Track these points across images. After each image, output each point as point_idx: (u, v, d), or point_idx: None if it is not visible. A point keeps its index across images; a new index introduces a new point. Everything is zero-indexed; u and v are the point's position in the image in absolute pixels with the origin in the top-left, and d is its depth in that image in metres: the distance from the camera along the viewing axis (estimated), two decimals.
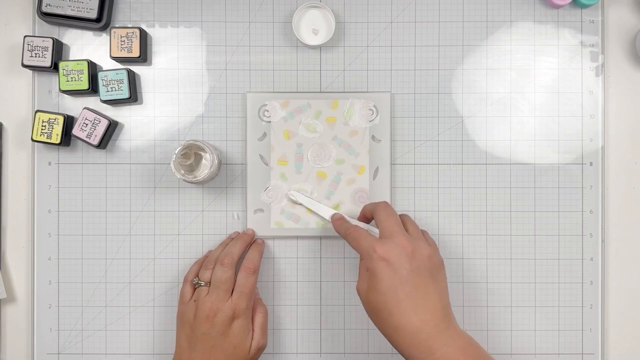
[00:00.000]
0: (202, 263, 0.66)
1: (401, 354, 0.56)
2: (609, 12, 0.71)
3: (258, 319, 0.65)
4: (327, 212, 0.67)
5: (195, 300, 0.62)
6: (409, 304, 0.55)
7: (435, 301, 0.56)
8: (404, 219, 0.62)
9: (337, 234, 0.67)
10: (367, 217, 0.65)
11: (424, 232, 0.64)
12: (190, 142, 0.64)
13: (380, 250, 0.56)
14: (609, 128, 0.70)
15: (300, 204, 0.68)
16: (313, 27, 0.69)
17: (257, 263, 0.65)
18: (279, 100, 0.69)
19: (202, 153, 0.66)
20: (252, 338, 0.63)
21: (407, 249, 0.56)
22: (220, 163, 0.68)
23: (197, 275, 0.65)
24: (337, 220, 0.65)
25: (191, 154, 0.65)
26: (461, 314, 0.70)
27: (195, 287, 0.64)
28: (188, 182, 0.64)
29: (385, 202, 0.62)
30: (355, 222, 0.65)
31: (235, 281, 0.63)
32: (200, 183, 0.68)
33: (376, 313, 0.56)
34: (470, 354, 0.54)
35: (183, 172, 0.64)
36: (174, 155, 0.63)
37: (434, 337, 0.54)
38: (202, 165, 0.66)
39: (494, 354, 0.69)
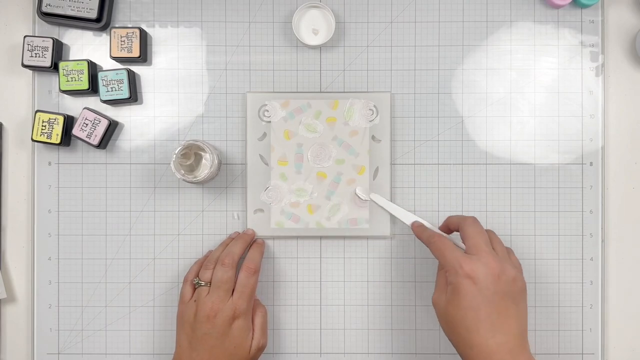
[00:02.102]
0: (202, 263, 0.66)
1: None
2: (609, 12, 0.71)
3: (258, 319, 0.65)
4: (408, 218, 0.67)
5: (195, 300, 0.62)
6: (488, 325, 0.54)
7: (514, 326, 0.55)
8: (491, 237, 0.61)
9: (337, 234, 0.67)
10: (450, 228, 0.63)
11: (509, 251, 0.62)
12: (190, 142, 0.64)
13: (467, 267, 0.55)
14: (609, 128, 0.70)
15: (380, 207, 0.68)
16: (313, 27, 0.69)
17: (258, 263, 0.65)
18: (279, 100, 0.69)
19: (202, 153, 0.66)
20: (253, 338, 0.63)
21: (495, 269, 0.55)
22: (220, 163, 0.68)
23: (197, 275, 0.64)
24: (418, 227, 0.64)
25: (191, 154, 0.65)
26: None
27: (195, 287, 0.64)
28: (188, 182, 0.64)
29: (473, 218, 0.61)
30: (436, 230, 0.64)
31: (235, 281, 0.63)
32: (200, 183, 0.68)
33: (452, 327, 0.56)
34: None
35: (183, 172, 0.64)
36: (174, 155, 0.63)
37: None
38: (202, 165, 0.66)
39: None
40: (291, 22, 0.69)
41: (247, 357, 0.62)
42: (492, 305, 0.55)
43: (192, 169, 0.65)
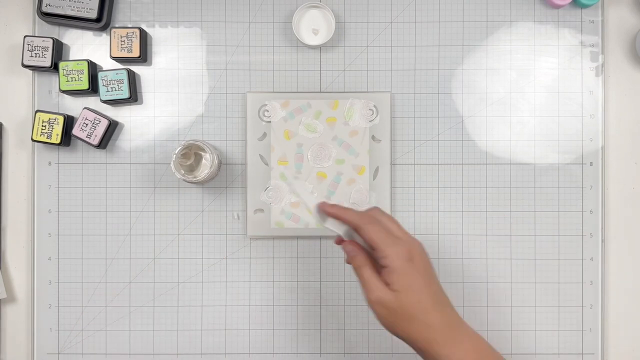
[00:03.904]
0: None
1: (426, 354, 0.55)
2: (609, 12, 0.71)
3: None
4: (342, 230, 0.59)
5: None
6: (437, 299, 0.55)
7: (445, 294, 0.56)
8: (380, 219, 0.57)
9: (336, 235, 0.67)
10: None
11: (390, 219, 0.58)
12: (190, 142, 0.64)
13: (405, 250, 0.54)
14: (609, 128, 0.70)
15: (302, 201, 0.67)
16: (313, 27, 0.69)
17: None
18: (279, 100, 0.69)
19: (202, 153, 0.66)
20: None
21: (421, 249, 0.56)
22: (220, 163, 0.68)
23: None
24: (347, 246, 0.58)
25: (191, 154, 0.65)
26: (461, 314, 0.70)
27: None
28: (188, 182, 0.64)
29: (369, 217, 0.57)
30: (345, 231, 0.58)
31: None
32: (200, 183, 0.68)
33: (408, 315, 0.55)
34: (488, 354, 0.55)
35: (183, 172, 0.64)
36: (174, 155, 0.63)
37: (460, 331, 0.55)
38: (202, 165, 0.66)
39: None
40: (291, 22, 0.69)
41: None
42: (424, 293, 0.54)
43: (192, 169, 0.65)
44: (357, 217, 0.57)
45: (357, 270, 0.57)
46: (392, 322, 0.55)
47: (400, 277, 0.55)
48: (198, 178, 0.64)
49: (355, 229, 0.57)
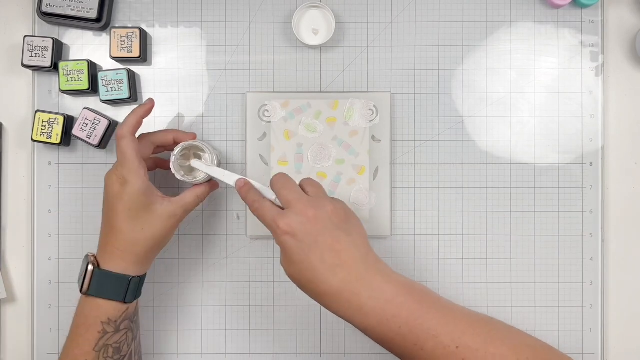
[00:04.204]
0: None
1: (340, 317, 0.54)
2: (609, 12, 0.71)
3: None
4: (232, 178, 0.61)
5: None
6: (325, 268, 0.53)
7: (351, 256, 0.54)
8: (303, 183, 0.59)
9: None
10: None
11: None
12: (189, 142, 0.64)
13: (283, 224, 0.54)
14: (609, 128, 0.70)
15: (204, 173, 0.64)
16: (313, 27, 0.69)
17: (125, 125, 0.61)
18: (279, 100, 0.69)
19: (202, 153, 0.65)
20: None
21: (308, 214, 0.54)
22: (220, 163, 0.68)
23: None
24: (242, 188, 0.60)
25: (190, 155, 0.65)
26: None
27: None
28: (188, 182, 0.64)
29: (280, 173, 0.59)
30: (264, 189, 0.60)
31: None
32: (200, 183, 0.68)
33: (299, 284, 0.55)
34: (398, 304, 0.52)
35: (183, 173, 0.64)
36: (174, 156, 0.63)
37: (358, 292, 0.52)
38: None
39: None
40: (291, 22, 0.69)
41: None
42: (319, 247, 0.53)
43: (191, 169, 0.65)
44: (272, 178, 0.58)
45: (255, 205, 0.57)
46: (304, 257, 0.53)
47: (283, 251, 0.55)
48: (198, 179, 0.64)
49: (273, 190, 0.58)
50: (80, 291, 0.60)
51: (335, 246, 0.53)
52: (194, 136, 0.66)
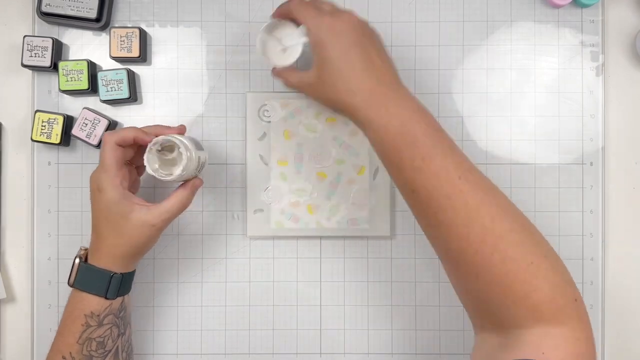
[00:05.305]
0: None
1: (354, 119, 0.56)
2: (609, 12, 0.71)
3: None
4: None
5: None
6: (363, 66, 0.56)
7: (385, 65, 0.57)
8: (318, 3, 0.60)
9: (337, 234, 0.67)
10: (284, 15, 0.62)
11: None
12: (166, 137, 0.59)
13: (328, 21, 0.56)
14: (609, 128, 0.70)
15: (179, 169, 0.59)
16: (281, 46, 0.63)
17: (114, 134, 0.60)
18: (279, 100, 0.69)
19: (181, 150, 0.59)
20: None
21: (353, 20, 0.57)
22: (204, 163, 0.63)
23: None
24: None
25: (174, 148, 0.60)
26: (462, 314, 0.70)
27: None
28: (162, 179, 0.59)
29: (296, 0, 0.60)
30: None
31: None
32: (176, 182, 0.62)
33: (330, 85, 0.57)
34: (419, 118, 0.55)
35: (157, 166, 0.59)
36: (149, 148, 0.59)
37: (389, 95, 0.55)
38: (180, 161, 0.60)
39: None
40: None
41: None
42: (359, 46, 0.56)
43: (174, 163, 0.60)
44: (291, 4, 0.60)
45: (280, 76, 0.62)
46: (319, 94, 0.58)
47: (318, 50, 0.57)
48: (172, 176, 0.59)
49: (290, 16, 0.60)
50: (68, 283, 0.61)
51: (372, 52, 0.57)
52: (178, 130, 0.63)
